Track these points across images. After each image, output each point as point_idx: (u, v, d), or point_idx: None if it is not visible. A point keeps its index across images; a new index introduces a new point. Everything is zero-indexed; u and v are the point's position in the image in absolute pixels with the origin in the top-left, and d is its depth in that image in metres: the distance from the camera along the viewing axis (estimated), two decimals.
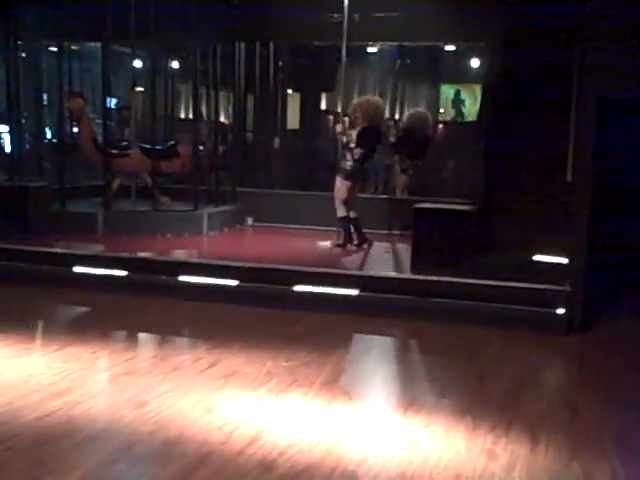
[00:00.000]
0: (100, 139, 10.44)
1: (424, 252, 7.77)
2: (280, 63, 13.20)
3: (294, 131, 14.43)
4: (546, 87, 7.97)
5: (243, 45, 11.63)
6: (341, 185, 9.45)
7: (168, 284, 7.57)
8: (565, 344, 6.69)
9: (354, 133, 9.34)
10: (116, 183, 10.45)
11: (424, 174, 12.34)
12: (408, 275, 7.65)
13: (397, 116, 14.25)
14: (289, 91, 14.21)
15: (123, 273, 7.73)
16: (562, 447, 4.25)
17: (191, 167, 10.65)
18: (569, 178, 7.59)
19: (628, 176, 9.37)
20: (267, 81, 12.57)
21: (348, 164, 9.35)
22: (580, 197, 6.84)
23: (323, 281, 7.32)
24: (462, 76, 14.25)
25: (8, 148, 12.18)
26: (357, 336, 6.89)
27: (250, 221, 11.50)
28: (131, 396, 4.75)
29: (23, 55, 12.22)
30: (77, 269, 7.84)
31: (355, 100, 10.02)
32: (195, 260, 8.27)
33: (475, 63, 13.66)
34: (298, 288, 7.31)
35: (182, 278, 7.58)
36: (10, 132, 11.11)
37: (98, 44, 10.72)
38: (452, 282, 7.11)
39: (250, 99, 12.60)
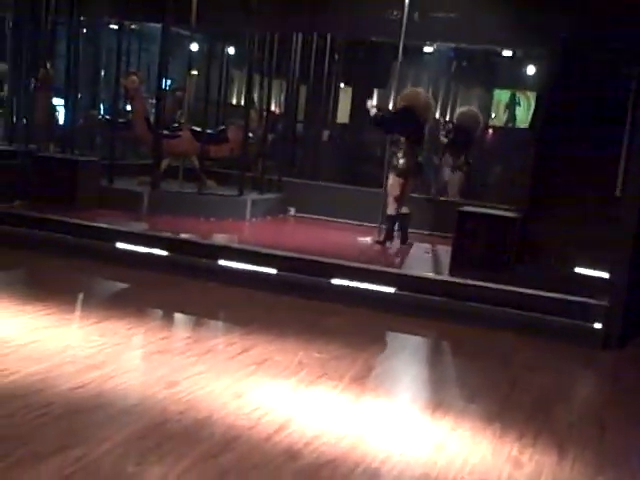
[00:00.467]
0: (152, 119, 10.57)
1: (464, 255, 7.74)
2: (336, 56, 13.20)
3: (343, 125, 14.42)
4: (602, 100, 7.87)
5: (300, 35, 11.67)
6: (394, 182, 9.39)
7: (208, 267, 7.64)
8: (600, 359, 6.63)
9: (390, 109, 9.25)
10: (165, 163, 10.56)
11: (471, 177, 12.30)
12: (446, 277, 7.63)
13: (447, 117, 14.16)
14: (342, 85, 14.19)
15: (164, 253, 7.83)
16: (589, 462, 4.23)
17: (239, 153, 10.73)
18: (618, 194, 7.51)
19: None
20: (321, 73, 12.56)
21: (401, 161, 9.30)
22: (628, 213, 6.79)
23: (361, 276, 7.34)
24: (516, 82, 14.09)
25: (62, 121, 12.33)
26: (391, 334, 6.90)
27: (292, 211, 11.54)
28: (163, 375, 4.81)
29: (84, 31, 12.40)
30: (120, 245, 7.96)
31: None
32: (236, 246, 8.32)
33: (531, 70, 13.52)
34: (336, 281, 7.35)
35: (222, 262, 7.65)
36: (65, 106, 11.26)
37: (158, 25, 10.81)
38: (490, 287, 7.09)
39: (303, 90, 12.61)
